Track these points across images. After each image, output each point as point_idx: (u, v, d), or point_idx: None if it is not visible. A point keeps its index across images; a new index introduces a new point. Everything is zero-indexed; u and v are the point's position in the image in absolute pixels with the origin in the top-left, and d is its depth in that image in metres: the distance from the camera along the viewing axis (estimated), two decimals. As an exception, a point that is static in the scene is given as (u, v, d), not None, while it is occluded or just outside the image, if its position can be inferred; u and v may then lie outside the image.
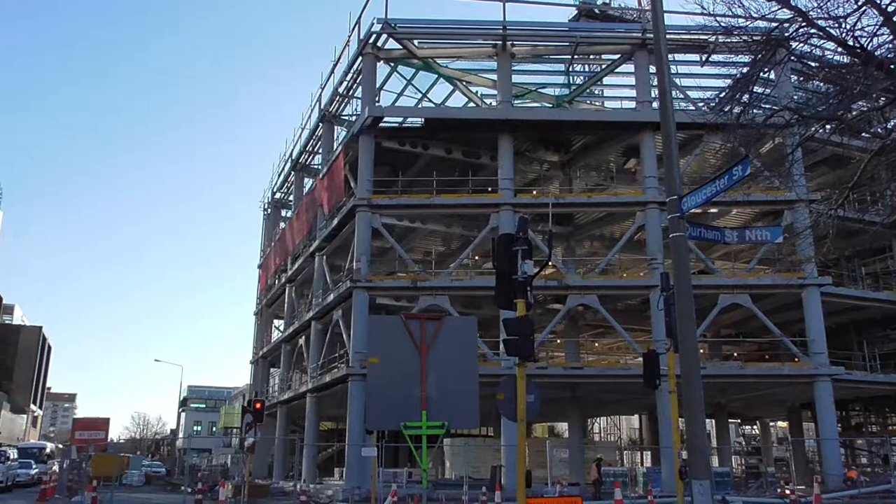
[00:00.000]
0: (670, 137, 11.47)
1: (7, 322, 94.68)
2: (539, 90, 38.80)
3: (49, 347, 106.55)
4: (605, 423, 66.30)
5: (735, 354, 39.41)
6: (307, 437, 36.51)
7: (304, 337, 40.38)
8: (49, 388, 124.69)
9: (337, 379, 32.49)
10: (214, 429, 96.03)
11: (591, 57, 38.60)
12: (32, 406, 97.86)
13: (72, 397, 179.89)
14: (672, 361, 14.49)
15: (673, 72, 31.78)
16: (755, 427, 57.19)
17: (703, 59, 31.35)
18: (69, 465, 36.20)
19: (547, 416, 50.57)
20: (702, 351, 30.99)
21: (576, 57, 35.73)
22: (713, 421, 43.57)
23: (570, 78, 38.65)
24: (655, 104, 32.81)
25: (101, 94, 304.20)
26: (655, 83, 32.79)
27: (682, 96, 31.79)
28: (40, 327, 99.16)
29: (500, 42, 32.93)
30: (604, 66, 37.62)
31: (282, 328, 49.26)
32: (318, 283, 37.97)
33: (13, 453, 40.53)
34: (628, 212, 33.03)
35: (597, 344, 45.87)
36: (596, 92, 42.18)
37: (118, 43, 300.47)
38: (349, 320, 31.99)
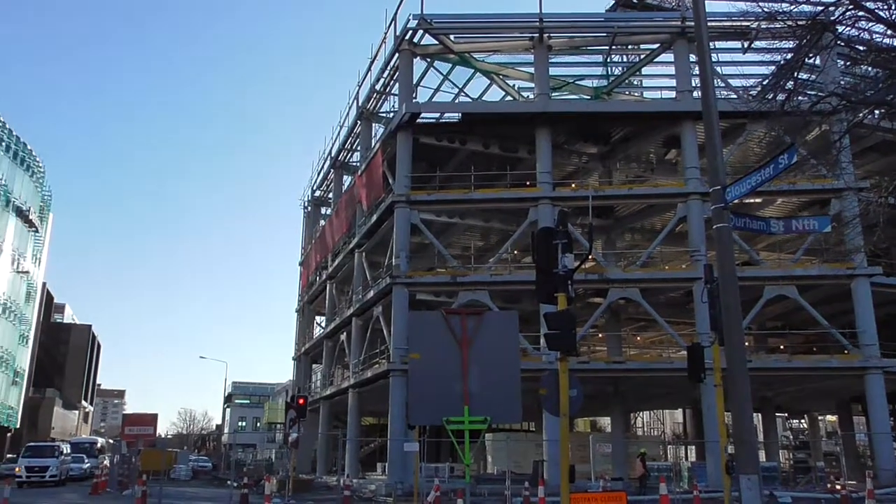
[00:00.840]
0: (713, 126, 11.24)
1: (58, 321, 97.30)
2: (577, 82, 38.41)
3: (98, 345, 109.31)
4: (647, 418, 65.61)
5: (781, 347, 38.62)
6: (349, 432, 36.83)
7: (345, 333, 40.71)
8: (99, 385, 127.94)
9: (378, 374, 32.69)
10: (259, 424, 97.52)
11: (630, 47, 38.11)
12: (83, 402, 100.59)
13: (121, 394, 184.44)
14: (717, 354, 14.25)
15: (714, 60, 31.16)
16: (803, 421, 55.95)
17: (746, 45, 30.74)
18: (119, 460, 37.10)
19: (589, 410, 50.21)
20: (747, 344, 30.41)
21: (614, 47, 35.33)
22: (759, 415, 42.81)
23: (609, 69, 38.20)
24: (696, 93, 32.38)
25: (138, 89, 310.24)
26: (696, 72, 32.24)
27: (723, 84, 31.20)
28: (90, 326, 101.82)
29: (536, 34, 32.70)
30: (642, 56, 37.08)
31: (323, 325, 49.75)
32: (358, 280, 38.23)
33: (66, 448, 41.70)
34: (669, 203, 32.56)
35: (639, 337, 45.34)
36: (635, 82, 41.60)
37: (155, 40, 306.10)
38: (389, 316, 32.15)
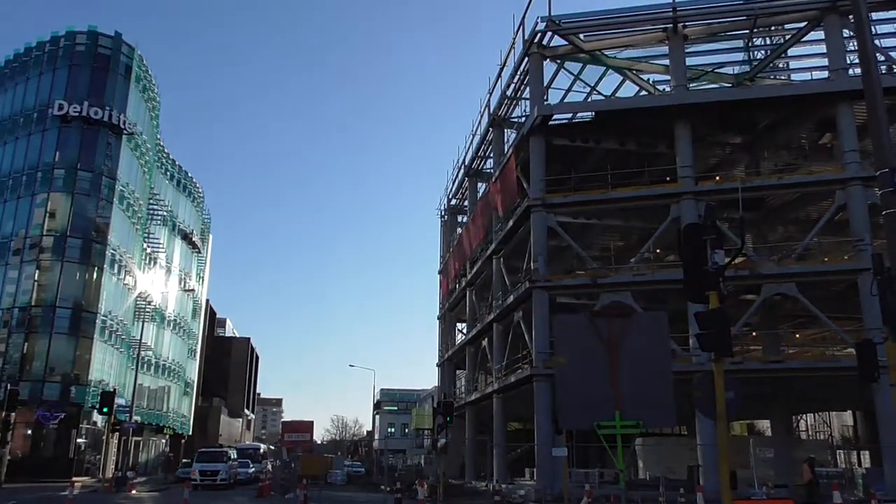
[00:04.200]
0: (877, 104, 10.41)
1: (220, 335, 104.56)
2: (716, 70, 36.74)
3: (257, 356, 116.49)
4: (812, 420, 61.31)
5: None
6: (496, 437, 37.00)
7: (486, 339, 41.02)
8: (259, 394, 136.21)
9: (521, 379, 32.66)
10: (407, 430, 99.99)
11: (773, 28, 35.90)
12: (246, 410, 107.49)
13: (278, 402, 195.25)
14: (892, 351, 13.11)
15: (872, 32, 28.86)
16: None
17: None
18: (280, 465, 39.36)
19: (746, 413, 47.69)
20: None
21: (755, 30, 33.47)
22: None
23: (750, 53, 36.25)
24: (852, 71, 30.07)
25: (273, 100, 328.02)
26: (851, 48, 30.04)
27: (884, 59, 28.80)
28: (248, 338, 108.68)
29: (670, 25, 31.64)
30: (787, 37, 34.86)
31: (464, 331, 50.39)
32: (497, 286, 38.42)
33: (233, 454, 44.70)
34: (826, 191, 30.41)
35: (797, 335, 42.51)
36: (780, 65, 39.21)
37: (292, 50, 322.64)
38: (530, 321, 32.06)
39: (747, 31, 33.31)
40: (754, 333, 37.73)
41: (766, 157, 36.10)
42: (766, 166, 35.73)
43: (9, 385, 36.73)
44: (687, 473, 29.85)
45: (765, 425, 55.23)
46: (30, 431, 43.04)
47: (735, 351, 32.55)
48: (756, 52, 36.89)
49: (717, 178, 34.57)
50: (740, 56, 36.41)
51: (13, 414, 35.01)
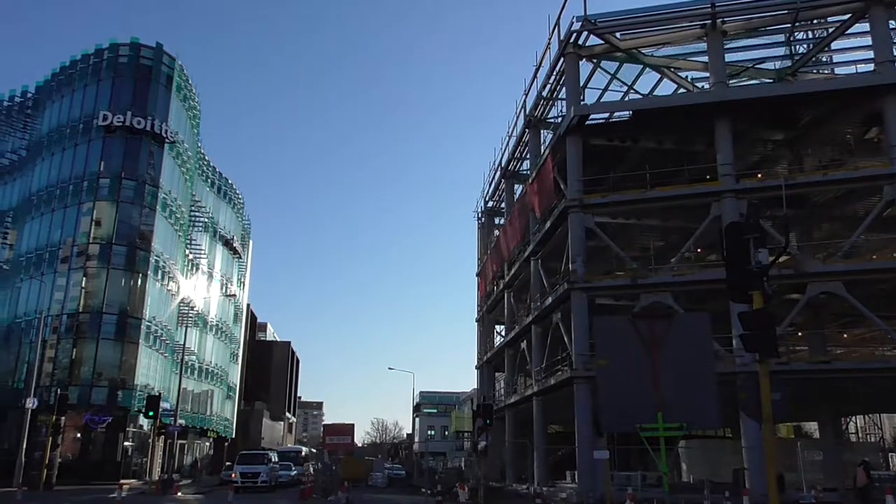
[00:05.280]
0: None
1: (261, 339, 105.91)
2: (756, 66, 36.05)
3: (297, 360, 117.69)
4: (861, 422, 59.74)
5: None
6: (536, 440, 36.80)
7: (525, 341, 40.84)
8: (299, 398, 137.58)
9: (561, 382, 32.43)
10: (447, 432, 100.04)
11: (815, 21, 35.11)
12: (287, 414, 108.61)
13: (319, 405, 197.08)
14: (946, 351, 12.73)
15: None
16: None
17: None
18: (322, 468, 39.72)
19: (792, 415, 46.64)
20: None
21: (797, 24, 32.75)
22: None
23: (792, 48, 35.49)
24: (899, 63, 29.30)
25: (310, 103, 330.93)
26: (898, 39, 28.91)
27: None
28: (289, 342, 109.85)
29: (709, 21, 31.16)
30: (831, 30, 34.06)
31: (503, 333, 50.22)
32: (535, 287, 38.23)
33: (275, 456, 45.17)
34: (873, 186, 29.60)
35: (845, 335, 41.50)
36: (823, 59, 38.34)
37: (321, 52, 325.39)
38: (569, 322, 31.83)
39: (788, 25, 32.59)
40: (800, 334, 36.94)
41: (809, 154, 35.30)
42: (809, 163, 34.95)
43: (59, 390, 37.76)
44: (732, 476, 29.31)
45: (812, 427, 54.03)
46: (79, 435, 44.10)
47: (780, 352, 31.94)
48: (798, 47, 36.12)
49: (759, 175, 33.93)
50: (781, 51, 35.64)
51: (63, 418, 35.94)
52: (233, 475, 38.02)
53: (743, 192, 29.47)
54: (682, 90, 35.96)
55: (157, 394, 40.50)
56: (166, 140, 50.34)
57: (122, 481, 33.75)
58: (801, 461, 27.26)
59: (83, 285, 47.29)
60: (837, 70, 38.39)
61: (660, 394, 11.20)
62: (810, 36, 36.56)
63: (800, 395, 31.79)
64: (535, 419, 36.94)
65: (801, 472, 26.81)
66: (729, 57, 33.56)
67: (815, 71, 37.98)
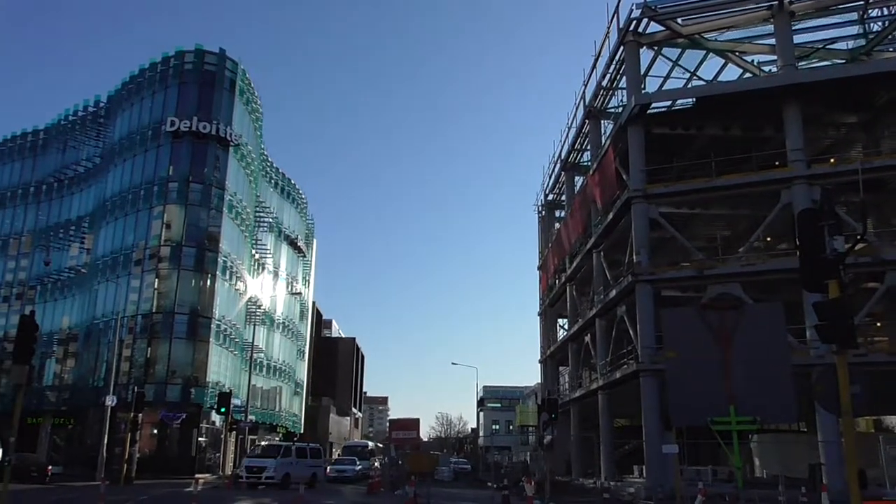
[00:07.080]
0: None
1: (327, 335, 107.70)
2: (827, 47, 34.72)
3: (362, 356, 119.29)
4: (948, 416, 57.00)
5: None
6: (602, 434, 36.40)
7: (589, 335, 40.41)
8: (365, 393, 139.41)
9: (627, 375, 31.98)
10: (511, 427, 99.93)
11: (890, -2, 33.64)
12: (353, 409, 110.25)
13: (384, 400, 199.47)
14: None
15: None
16: None
17: None
18: (389, 462, 40.09)
19: (872, 408, 44.84)
20: None
21: (871, 1, 31.40)
22: None
23: (866, 26, 34.03)
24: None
25: (374, 101, 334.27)
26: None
27: None
28: (354, 338, 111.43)
29: (775, 2, 30.17)
30: (907, 6, 32.59)
31: (566, 327, 49.79)
32: (598, 280, 37.77)
33: (337, 452, 45.58)
34: (956, 169, 28.20)
35: (927, 325, 39.65)
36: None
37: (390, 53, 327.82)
38: (634, 315, 31.35)
39: (861, 3, 31.29)
40: (878, 324, 35.48)
41: (886, 136, 33.85)
42: (886, 145, 33.51)
43: (135, 388, 39.15)
44: (808, 472, 28.35)
45: (894, 421, 51.87)
46: (155, 431, 45.73)
47: (858, 342, 30.70)
48: (872, 25, 34.63)
49: (832, 160, 32.68)
50: (854, 30, 34.26)
51: (140, 415, 37.28)
52: (238, 469, 35.37)
53: (815, 178, 28.48)
54: (748, 75, 34.92)
55: (227, 391, 41.57)
56: (231, 143, 51.61)
57: (197, 476, 34.73)
58: (882, 456, 26.15)
59: (156, 286, 48.93)
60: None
61: (731, 387, 10.90)
62: (885, 13, 34.95)
63: (881, 388, 30.50)
64: (601, 413, 36.52)
65: (883, 468, 25.73)
66: (797, 38, 32.45)
67: (891, 49, 36.34)
